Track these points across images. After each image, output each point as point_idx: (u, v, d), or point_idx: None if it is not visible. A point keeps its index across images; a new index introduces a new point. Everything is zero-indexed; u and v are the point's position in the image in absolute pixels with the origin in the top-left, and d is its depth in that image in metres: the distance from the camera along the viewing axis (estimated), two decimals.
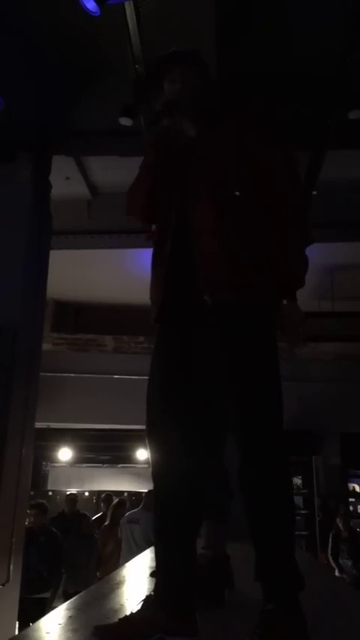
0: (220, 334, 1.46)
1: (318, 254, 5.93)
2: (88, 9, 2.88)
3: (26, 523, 5.09)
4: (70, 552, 5.46)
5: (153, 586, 1.57)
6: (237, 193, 1.51)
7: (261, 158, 1.55)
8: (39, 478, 10.02)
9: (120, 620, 1.43)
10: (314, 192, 4.76)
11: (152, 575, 2.07)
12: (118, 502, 6.43)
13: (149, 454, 1.57)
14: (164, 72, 1.68)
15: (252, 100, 3.53)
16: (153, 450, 1.55)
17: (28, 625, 1.68)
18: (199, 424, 1.52)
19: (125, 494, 9.58)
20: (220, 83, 1.83)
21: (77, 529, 5.90)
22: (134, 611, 1.47)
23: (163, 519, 1.53)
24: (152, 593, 1.52)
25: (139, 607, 1.49)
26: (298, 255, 1.51)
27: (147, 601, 1.50)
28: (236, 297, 1.45)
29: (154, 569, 1.64)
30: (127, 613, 1.51)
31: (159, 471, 1.53)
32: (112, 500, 7.08)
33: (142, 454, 10.01)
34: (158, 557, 1.52)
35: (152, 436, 1.55)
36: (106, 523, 6.18)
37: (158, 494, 1.55)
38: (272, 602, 1.31)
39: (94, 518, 6.69)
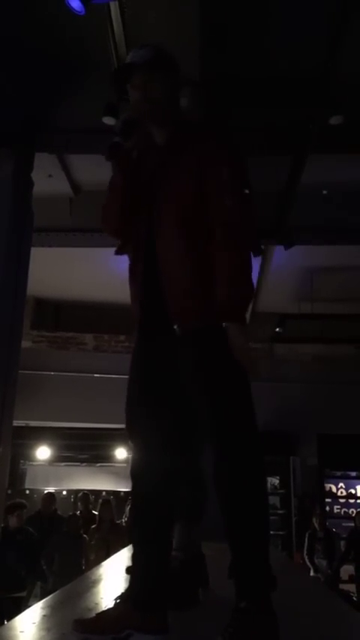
0: (189, 357, 1.48)
1: (298, 257, 5.99)
2: (73, 8, 2.88)
3: (14, 523, 5.11)
4: (59, 552, 5.42)
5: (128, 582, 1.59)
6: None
7: (209, 176, 1.51)
8: (16, 477, 9.94)
9: (97, 614, 1.48)
10: (324, 192, 4.79)
11: (128, 571, 2.08)
12: (102, 502, 6.39)
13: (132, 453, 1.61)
14: (128, 79, 1.63)
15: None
16: (133, 448, 1.59)
17: (3, 623, 1.68)
18: (173, 425, 1.54)
19: (104, 493, 9.53)
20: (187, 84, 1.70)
21: (66, 529, 5.86)
22: (110, 607, 1.50)
23: (138, 517, 1.56)
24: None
25: (115, 602, 1.52)
26: (235, 278, 1.44)
27: (123, 597, 1.53)
28: (202, 324, 1.46)
29: (130, 565, 1.66)
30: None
31: (135, 469, 1.57)
32: (88, 499, 7.05)
33: (121, 453, 9.99)
34: (134, 554, 1.54)
35: (131, 436, 1.59)
36: (94, 525, 6.14)
37: (135, 492, 1.57)
38: (244, 601, 1.33)
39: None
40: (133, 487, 1.57)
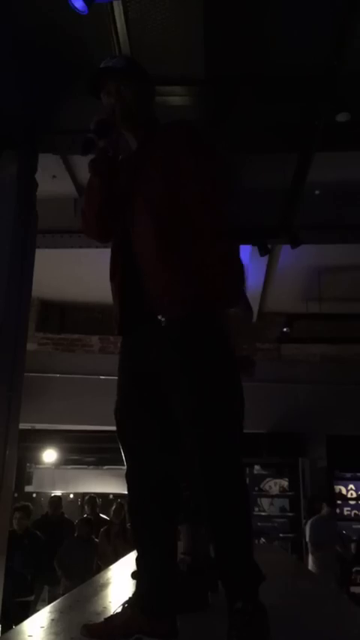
0: (177, 348, 1.46)
1: (306, 256, 5.95)
2: (76, 7, 2.86)
3: (15, 526, 5.09)
4: (70, 557, 5.40)
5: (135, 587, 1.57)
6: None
7: (179, 165, 1.54)
8: (23, 480, 9.93)
9: (105, 619, 1.48)
10: (317, 192, 4.77)
11: (133, 576, 2.06)
12: (116, 507, 6.38)
13: (123, 456, 1.60)
14: (101, 85, 1.69)
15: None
16: (123, 452, 1.59)
17: (11, 627, 1.67)
18: (163, 424, 1.52)
19: (110, 496, 9.51)
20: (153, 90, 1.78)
21: (77, 534, 5.85)
22: (118, 611, 1.50)
23: (135, 521, 1.58)
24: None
25: (123, 607, 1.51)
26: (226, 260, 1.48)
27: (130, 601, 1.52)
28: (188, 311, 1.46)
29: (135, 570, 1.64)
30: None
31: (127, 473, 1.59)
32: (95, 502, 7.02)
33: None
34: (136, 559, 1.54)
35: (121, 439, 1.59)
36: (104, 529, 6.12)
37: (130, 496, 1.58)
38: (239, 601, 1.32)
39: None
40: (128, 491, 1.58)
